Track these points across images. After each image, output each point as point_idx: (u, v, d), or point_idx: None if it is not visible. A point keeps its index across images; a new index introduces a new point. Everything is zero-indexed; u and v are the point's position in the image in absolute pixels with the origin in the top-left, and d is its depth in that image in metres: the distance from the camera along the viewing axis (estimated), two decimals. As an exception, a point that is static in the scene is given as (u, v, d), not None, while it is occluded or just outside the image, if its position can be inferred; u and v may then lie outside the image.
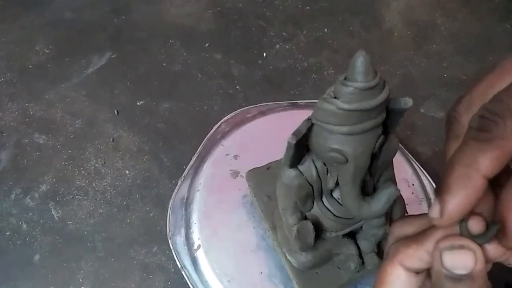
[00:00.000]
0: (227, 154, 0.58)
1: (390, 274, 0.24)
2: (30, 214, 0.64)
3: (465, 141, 0.21)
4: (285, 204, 0.39)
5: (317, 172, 0.35)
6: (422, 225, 0.25)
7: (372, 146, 0.31)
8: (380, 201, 0.35)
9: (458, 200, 0.20)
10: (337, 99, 0.29)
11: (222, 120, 0.63)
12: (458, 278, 0.21)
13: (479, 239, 0.22)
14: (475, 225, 0.22)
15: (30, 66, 0.80)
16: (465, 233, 0.22)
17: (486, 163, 0.19)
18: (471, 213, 0.21)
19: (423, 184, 0.58)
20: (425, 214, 0.25)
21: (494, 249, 0.22)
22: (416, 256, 0.23)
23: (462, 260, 0.21)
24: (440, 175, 0.68)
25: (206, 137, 0.61)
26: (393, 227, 0.27)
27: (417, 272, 0.23)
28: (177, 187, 0.58)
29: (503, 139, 0.19)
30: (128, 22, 0.88)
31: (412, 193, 0.56)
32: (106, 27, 0.87)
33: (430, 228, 0.23)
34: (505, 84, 0.21)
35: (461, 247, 0.21)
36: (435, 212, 0.21)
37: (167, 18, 0.89)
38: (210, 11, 0.90)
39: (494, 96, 0.20)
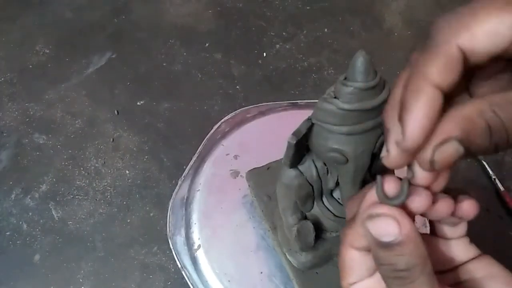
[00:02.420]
0: (227, 154, 0.58)
1: (345, 257, 0.24)
2: (30, 214, 0.64)
3: (412, 60, 0.20)
4: (285, 204, 0.39)
5: (317, 172, 0.35)
6: (360, 203, 0.23)
7: (372, 146, 0.31)
8: (380, 201, 0.35)
9: (415, 116, 0.18)
10: (337, 99, 0.29)
11: (222, 120, 0.63)
12: (387, 246, 0.20)
13: (397, 199, 0.21)
14: (388, 187, 0.21)
15: (30, 66, 0.80)
16: (382, 198, 0.21)
17: (434, 71, 0.18)
18: (385, 173, 0.21)
19: (423, 184, 0.58)
20: (362, 191, 0.25)
21: (415, 203, 0.21)
22: (358, 234, 0.22)
23: (385, 227, 0.21)
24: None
25: (206, 137, 0.61)
26: (346, 210, 0.26)
27: (369, 250, 0.23)
28: (177, 187, 0.58)
29: (447, 43, 0.18)
30: (128, 22, 0.88)
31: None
32: (106, 27, 0.87)
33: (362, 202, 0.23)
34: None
35: (379, 214, 0.21)
36: (395, 136, 0.19)
37: (167, 18, 0.89)
38: (210, 11, 0.90)
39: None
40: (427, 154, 0.19)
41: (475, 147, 0.19)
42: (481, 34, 0.18)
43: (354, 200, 0.25)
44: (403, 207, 0.21)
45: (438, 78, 0.18)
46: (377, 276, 0.23)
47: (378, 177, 0.22)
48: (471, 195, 0.23)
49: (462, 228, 0.25)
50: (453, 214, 0.23)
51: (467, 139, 0.19)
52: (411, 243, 0.21)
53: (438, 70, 0.18)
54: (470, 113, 0.19)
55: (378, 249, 0.21)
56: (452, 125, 0.19)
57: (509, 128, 0.18)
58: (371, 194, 0.22)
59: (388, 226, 0.21)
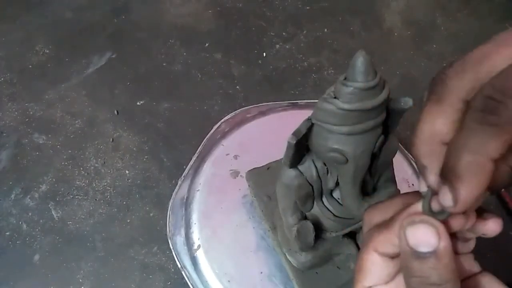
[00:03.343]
0: (227, 154, 0.58)
1: (366, 261, 0.24)
2: (30, 214, 0.63)
3: (469, 124, 0.19)
4: (285, 204, 0.39)
5: (317, 172, 0.35)
6: (391, 210, 0.24)
7: (372, 146, 0.31)
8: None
9: (471, 188, 0.19)
10: (337, 99, 0.29)
11: (222, 120, 0.63)
12: (423, 257, 0.21)
13: (441, 215, 0.22)
14: (435, 203, 0.22)
15: (30, 66, 0.80)
16: (427, 210, 0.22)
17: (495, 148, 0.19)
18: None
19: (423, 184, 0.58)
20: (394, 199, 0.25)
21: (455, 221, 0.22)
22: (388, 240, 0.23)
23: (425, 236, 0.21)
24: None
25: (206, 137, 0.61)
26: (365, 215, 0.26)
27: (393, 257, 0.23)
28: (177, 187, 0.58)
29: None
30: (128, 22, 0.88)
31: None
32: (106, 27, 0.86)
33: (398, 212, 0.23)
34: (501, 56, 0.19)
35: (422, 221, 0.21)
36: (448, 200, 0.20)
37: (167, 18, 0.89)
38: (210, 11, 0.90)
39: (499, 73, 0.19)
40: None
41: (498, 186, 0.20)
42: None
43: (379, 208, 0.26)
44: (443, 223, 0.22)
45: (498, 155, 0.19)
46: (394, 283, 0.24)
47: (428, 190, 0.22)
48: (495, 214, 0.23)
49: (471, 243, 0.26)
50: (474, 228, 0.23)
51: (492, 185, 0.20)
52: (447, 257, 0.21)
53: (500, 148, 0.19)
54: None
55: (411, 259, 0.21)
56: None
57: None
58: (416, 206, 0.22)
59: (428, 235, 0.21)
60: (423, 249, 0.21)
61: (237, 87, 0.79)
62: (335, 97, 0.29)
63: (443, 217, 0.22)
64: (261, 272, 0.48)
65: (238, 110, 0.65)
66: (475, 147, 0.19)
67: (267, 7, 0.92)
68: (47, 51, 0.82)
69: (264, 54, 0.84)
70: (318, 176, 0.35)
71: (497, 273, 0.58)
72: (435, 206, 0.22)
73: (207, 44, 0.85)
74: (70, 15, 0.88)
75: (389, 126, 0.32)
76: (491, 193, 0.21)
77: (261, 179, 0.50)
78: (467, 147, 0.19)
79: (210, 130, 0.62)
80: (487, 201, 0.67)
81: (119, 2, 0.90)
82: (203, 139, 0.61)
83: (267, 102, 0.67)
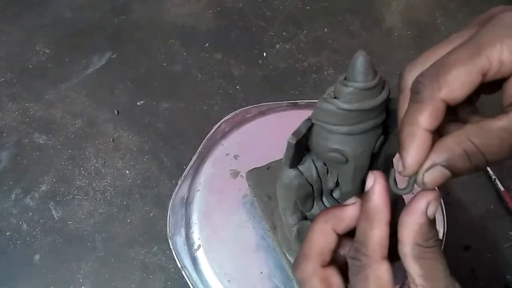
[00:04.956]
0: (227, 154, 0.58)
1: (314, 231, 0.29)
2: (30, 214, 0.64)
3: (408, 103, 0.26)
4: (285, 204, 0.39)
5: (317, 172, 0.35)
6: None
7: (372, 146, 0.31)
8: (380, 201, 0.35)
9: (411, 154, 0.25)
10: (337, 99, 0.29)
11: (222, 120, 0.63)
12: (366, 198, 0.27)
13: (404, 190, 0.28)
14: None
15: (30, 66, 0.80)
16: (393, 187, 0.28)
17: (423, 119, 0.24)
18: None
19: (423, 184, 0.58)
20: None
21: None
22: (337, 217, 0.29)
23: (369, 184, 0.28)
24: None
25: (206, 137, 0.61)
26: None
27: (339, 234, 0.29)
28: (177, 187, 0.58)
29: (431, 98, 0.24)
30: (128, 22, 0.88)
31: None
32: (106, 27, 0.87)
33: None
34: (444, 52, 0.25)
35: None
36: (399, 167, 0.26)
37: (167, 18, 0.89)
38: (210, 11, 0.90)
39: (431, 64, 0.25)
40: (419, 177, 0.26)
41: (459, 169, 0.25)
42: (457, 86, 0.24)
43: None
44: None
45: (427, 124, 0.24)
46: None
47: (392, 170, 0.28)
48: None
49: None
50: None
51: (449, 164, 0.25)
52: (378, 198, 0.28)
53: (426, 118, 0.24)
54: (450, 143, 0.25)
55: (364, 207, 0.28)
56: (436, 154, 0.25)
57: (485, 151, 0.24)
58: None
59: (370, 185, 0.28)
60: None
61: (237, 87, 0.79)
62: (335, 97, 0.29)
63: (405, 192, 0.27)
64: (261, 272, 0.48)
65: (238, 110, 0.65)
66: (409, 120, 0.25)
67: (267, 7, 0.92)
68: (47, 51, 0.82)
69: (264, 54, 0.84)
70: (318, 176, 0.35)
71: (497, 273, 0.58)
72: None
73: (207, 44, 0.85)
74: (70, 15, 0.88)
75: (389, 126, 0.32)
76: (457, 175, 0.25)
77: (261, 179, 0.50)
78: (405, 121, 0.25)
79: (210, 130, 0.62)
80: (487, 200, 0.67)
81: (119, 2, 0.90)
82: (203, 139, 0.61)
83: (267, 102, 0.67)
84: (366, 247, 0.27)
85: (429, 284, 0.26)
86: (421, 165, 0.25)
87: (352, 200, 0.29)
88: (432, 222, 0.27)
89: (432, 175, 0.25)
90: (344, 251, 0.30)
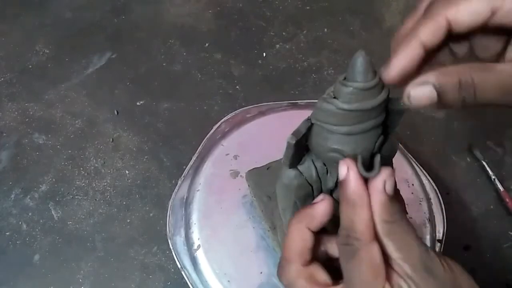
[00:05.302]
0: (227, 154, 0.58)
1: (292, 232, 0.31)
2: (30, 214, 0.64)
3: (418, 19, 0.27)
4: (284, 204, 0.39)
5: (317, 172, 0.35)
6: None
7: (372, 146, 0.31)
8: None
9: (399, 58, 0.27)
10: (337, 99, 0.29)
11: (222, 120, 0.63)
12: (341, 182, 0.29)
13: (371, 173, 0.28)
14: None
15: (30, 66, 0.80)
16: (362, 170, 0.28)
17: (423, 31, 0.26)
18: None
19: (423, 184, 0.58)
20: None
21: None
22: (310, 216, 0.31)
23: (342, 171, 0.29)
24: (440, 176, 0.68)
25: (206, 137, 0.61)
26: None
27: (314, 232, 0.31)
28: (177, 187, 0.58)
29: (437, 14, 0.26)
30: (128, 22, 0.88)
31: (412, 193, 0.56)
32: (106, 27, 0.87)
33: None
34: None
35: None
36: (383, 71, 0.27)
37: (167, 18, 0.89)
38: (210, 11, 0.90)
39: None
40: (407, 89, 0.26)
41: (446, 97, 0.25)
42: (464, 10, 0.25)
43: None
44: None
45: (425, 38, 0.26)
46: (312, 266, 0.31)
47: (359, 157, 0.29)
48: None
49: None
50: None
51: (440, 87, 0.25)
52: (353, 182, 0.29)
53: (427, 32, 0.26)
54: (450, 69, 0.25)
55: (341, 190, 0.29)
56: (432, 74, 0.25)
57: (477, 86, 0.25)
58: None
59: (343, 169, 0.29)
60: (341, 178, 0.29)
61: (237, 87, 0.79)
62: (334, 97, 0.30)
63: (372, 175, 0.28)
64: (261, 272, 0.48)
65: (238, 110, 0.65)
66: (409, 31, 0.27)
67: (267, 7, 0.92)
68: (47, 51, 0.82)
69: (264, 54, 0.84)
70: (318, 176, 0.35)
71: (497, 273, 0.58)
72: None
73: (207, 44, 0.85)
74: (70, 15, 0.88)
75: (389, 126, 0.32)
76: (441, 106, 0.26)
77: (261, 179, 0.50)
78: (405, 31, 0.28)
79: (210, 130, 0.62)
80: (487, 200, 0.67)
81: (119, 2, 0.90)
82: (203, 139, 0.61)
83: (267, 102, 0.67)
84: (355, 231, 0.27)
85: (404, 254, 0.27)
86: (405, 74, 0.27)
87: (320, 197, 0.31)
88: (393, 197, 0.28)
89: (421, 92, 0.26)
90: (325, 247, 0.32)
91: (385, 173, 0.28)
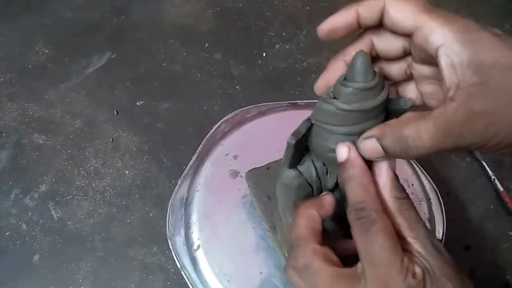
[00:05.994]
0: (226, 154, 0.58)
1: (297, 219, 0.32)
2: (29, 214, 0.64)
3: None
4: (284, 204, 0.39)
5: (317, 173, 0.35)
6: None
7: (371, 147, 0.31)
8: (379, 202, 0.35)
9: (333, 16, 0.31)
10: (337, 99, 0.29)
11: (222, 120, 0.63)
12: (341, 164, 0.30)
13: None
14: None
15: (30, 66, 0.80)
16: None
17: (362, 4, 0.29)
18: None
19: (423, 184, 0.58)
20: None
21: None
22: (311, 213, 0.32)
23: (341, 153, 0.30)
24: (440, 175, 0.68)
25: (206, 137, 0.61)
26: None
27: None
28: (176, 187, 0.58)
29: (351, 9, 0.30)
30: (128, 22, 0.88)
31: (412, 193, 0.56)
32: (106, 27, 0.87)
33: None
34: None
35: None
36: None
37: (167, 18, 0.89)
38: (210, 11, 0.90)
39: None
40: (358, 141, 0.29)
41: (389, 150, 0.27)
42: (401, 4, 0.28)
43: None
44: None
45: (361, 9, 0.30)
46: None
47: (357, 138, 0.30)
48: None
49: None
50: None
51: (380, 141, 0.27)
52: (356, 162, 0.30)
53: (365, 4, 0.29)
54: (388, 123, 0.28)
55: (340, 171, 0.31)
56: (374, 129, 0.28)
57: (413, 137, 0.26)
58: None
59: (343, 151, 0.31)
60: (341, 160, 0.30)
61: (237, 87, 0.79)
62: (334, 98, 0.30)
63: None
64: (261, 272, 0.48)
65: (238, 110, 0.65)
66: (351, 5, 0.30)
67: (267, 7, 0.92)
68: (47, 51, 0.82)
69: (264, 54, 0.84)
70: (318, 176, 0.35)
71: (497, 273, 0.58)
72: None
73: (207, 44, 0.85)
74: (70, 15, 0.88)
75: (389, 126, 0.32)
76: (388, 159, 0.29)
77: (261, 179, 0.50)
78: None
79: (210, 130, 0.62)
80: (486, 200, 0.67)
81: (119, 2, 0.90)
82: (203, 139, 0.61)
83: (267, 102, 0.67)
84: (370, 203, 0.28)
85: (414, 232, 0.28)
86: (333, 29, 0.32)
87: (324, 193, 0.33)
88: (395, 177, 0.30)
89: (367, 145, 0.28)
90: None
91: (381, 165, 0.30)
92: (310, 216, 0.31)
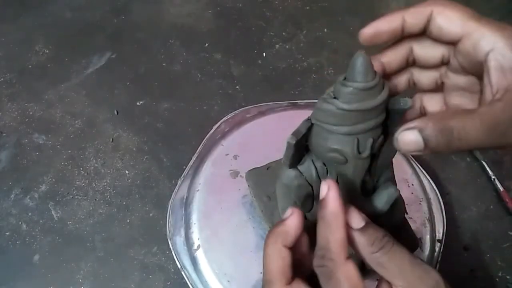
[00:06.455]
0: (226, 154, 0.58)
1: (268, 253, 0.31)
2: (29, 214, 0.64)
3: None
4: (284, 204, 0.39)
5: (317, 172, 0.35)
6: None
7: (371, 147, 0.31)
8: (380, 202, 0.35)
9: (378, 21, 0.30)
10: (337, 99, 0.29)
11: (222, 120, 0.63)
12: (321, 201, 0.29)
13: None
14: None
15: (30, 66, 0.80)
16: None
17: (408, 11, 0.29)
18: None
19: (423, 184, 0.58)
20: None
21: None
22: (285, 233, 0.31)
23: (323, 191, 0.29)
24: (440, 175, 0.68)
25: (206, 137, 0.61)
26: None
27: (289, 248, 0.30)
28: (176, 187, 0.58)
29: (427, 5, 0.29)
30: (128, 22, 0.88)
31: (412, 193, 0.56)
32: (106, 27, 0.87)
33: None
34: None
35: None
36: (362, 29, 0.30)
37: (167, 18, 0.89)
38: (210, 11, 0.90)
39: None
40: (395, 134, 0.27)
41: (430, 142, 0.26)
42: (449, 12, 0.29)
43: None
44: None
45: (407, 16, 0.30)
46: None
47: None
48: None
49: None
50: None
51: (423, 132, 0.26)
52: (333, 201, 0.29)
53: (411, 11, 0.30)
54: (433, 116, 0.27)
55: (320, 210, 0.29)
56: (416, 121, 0.27)
57: (460, 131, 0.26)
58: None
59: (324, 188, 0.30)
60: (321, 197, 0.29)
61: (237, 87, 0.79)
62: (334, 97, 0.30)
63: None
64: (261, 272, 0.48)
65: (238, 110, 0.65)
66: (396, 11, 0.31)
67: (267, 7, 0.92)
68: (47, 51, 0.82)
69: (264, 54, 0.84)
70: (318, 176, 0.35)
71: (497, 273, 0.58)
72: None
73: (207, 44, 0.85)
74: (70, 15, 0.88)
75: (389, 126, 0.32)
76: (425, 152, 0.27)
77: (261, 179, 0.50)
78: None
79: (210, 130, 0.62)
80: (486, 200, 0.67)
81: (119, 2, 0.90)
82: (203, 139, 0.61)
83: (267, 102, 0.67)
84: (330, 251, 0.27)
85: (401, 280, 0.27)
86: (377, 34, 0.30)
87: (289, 212, 0.31)
88: (365, 227, 0.29)
89: (407, 137, 0.27)
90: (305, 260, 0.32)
91: (349, 210, 0.29)
92: (278, 254, 0.30)
